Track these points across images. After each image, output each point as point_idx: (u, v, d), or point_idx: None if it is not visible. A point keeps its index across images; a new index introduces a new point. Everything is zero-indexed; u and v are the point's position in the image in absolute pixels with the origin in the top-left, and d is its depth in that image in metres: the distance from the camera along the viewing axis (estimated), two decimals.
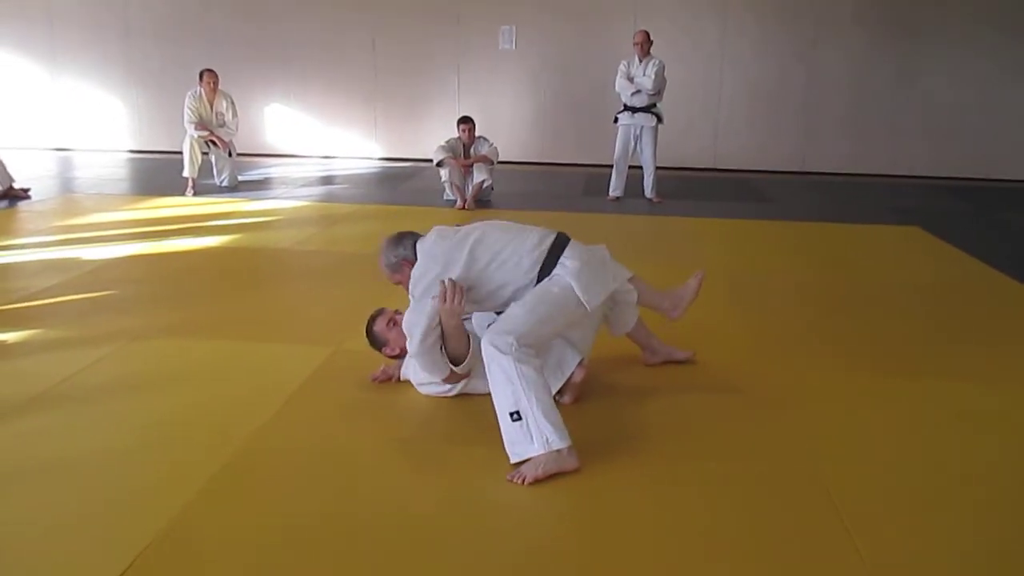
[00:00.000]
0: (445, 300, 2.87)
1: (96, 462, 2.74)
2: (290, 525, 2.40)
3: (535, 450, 2.62)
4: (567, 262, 2.97)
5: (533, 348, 2.78)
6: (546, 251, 3.00)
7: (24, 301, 4.48)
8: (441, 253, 3.01)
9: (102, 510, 2.46)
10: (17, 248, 5.82)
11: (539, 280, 2.97)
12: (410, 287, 3.05)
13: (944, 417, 3.25)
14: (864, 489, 2.66)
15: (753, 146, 10.37)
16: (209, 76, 8.30)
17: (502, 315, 2.91)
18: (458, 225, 3.17)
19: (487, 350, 2.75)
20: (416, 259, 3.07)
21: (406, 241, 3.14)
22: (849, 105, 10.17)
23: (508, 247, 3.02)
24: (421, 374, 3.13)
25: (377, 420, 3.06)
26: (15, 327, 4.04)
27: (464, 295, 2.91)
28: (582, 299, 2.92)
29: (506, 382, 2.69)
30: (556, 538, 2.39)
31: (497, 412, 2.73)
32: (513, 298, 2.97)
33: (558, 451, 2.62)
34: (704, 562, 2.27)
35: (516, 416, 2.66)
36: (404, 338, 3.14)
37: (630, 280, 3.23)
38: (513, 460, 2.67)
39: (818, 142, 10.30)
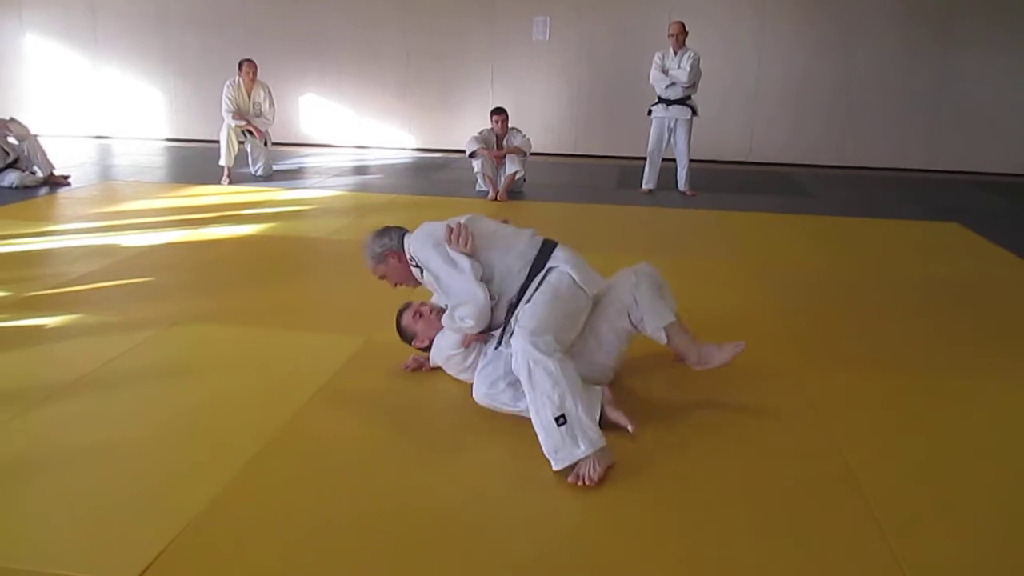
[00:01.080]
0: (451, 240, 2.98)
1: (133, 447, 2.79)
2: (322, 513, 2.43)
3: (581, 453, 2.56)
4: (559, 253, 3.06)
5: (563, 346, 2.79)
6: (539, 244, 3.09)
7: (65, 286, 4.56)
8: (434, 229, 3.09)
9: (138, 495, 2.50)
10: (58, 234, 5.92)
11: (530, 274, 3.00)
12: (424, 267, 3.07)
13: (982, 417, 3.21)
14: (899, 490, 2.63)
15: (789, 139, 10.26)
16: (248, 66, 8.37)
17: (523, 316, 2.87)
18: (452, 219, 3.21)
19: (528, 352, 2.67)
20: (402, 251, 3.13)
21: (392, 233, 3.18)
22: (888, 98, 10.01)
23: (500, 232, 3.15)
24: (445, 346, 3.13)
25: (408, 410, 3.08)
26: (56, 312, 4.12)
27: (470, 235, 3.01)
28: (581, 285, 2.97)
29: (552, 385, 2.62)
30: (584, 530, 2.39)
31: (537, 419, 2.64)
32: (501, 285, 3.01)
33: (601, 448, 2.59)
34: (736, 563, 2.25)
35: (562, 420, 2.59)
36: (432, 330, 3.18)
37: (666, 328, 3.06)
38: (557, 467, 2.59)
39: (856, 136, 10.16)
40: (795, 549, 2.30)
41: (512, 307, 2.99)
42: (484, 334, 3.08)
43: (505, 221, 3.31)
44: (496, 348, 3.01)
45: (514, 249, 3.07)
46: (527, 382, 2.68)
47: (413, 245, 3.10)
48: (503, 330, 3.00)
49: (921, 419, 3.18)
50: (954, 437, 3.04)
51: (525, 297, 2.97)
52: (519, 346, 2.71)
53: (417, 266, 3.10)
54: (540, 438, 2.64)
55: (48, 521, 2.37)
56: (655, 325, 3.04)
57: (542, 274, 3.00)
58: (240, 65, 8.38)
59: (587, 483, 2.52)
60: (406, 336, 3.33)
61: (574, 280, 2.97)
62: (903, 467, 2.79)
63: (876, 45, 9.91)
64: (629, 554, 2.26)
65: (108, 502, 2.45)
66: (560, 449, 2.58)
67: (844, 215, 7.23)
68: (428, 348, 3.29)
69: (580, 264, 3.05)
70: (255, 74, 8.40)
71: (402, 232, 3.18)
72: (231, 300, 4.43)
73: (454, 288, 3.00)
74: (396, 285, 3.24)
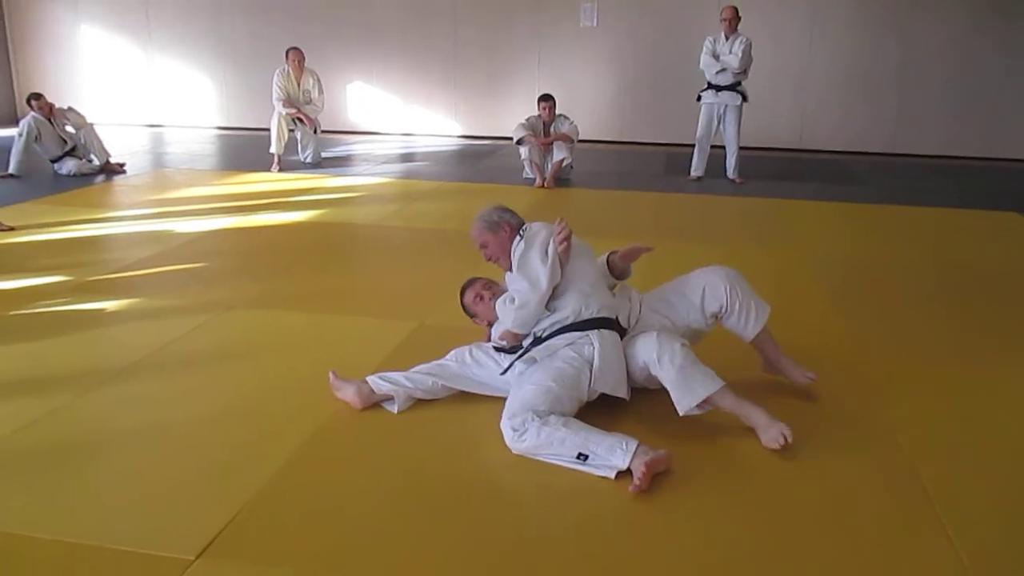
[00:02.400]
0: (556, 230, 2.97)
1: (191, 428, 2.85)
2: (375, 495, 2.45)
3: (623, 463, 2.51)
4: (606, 336, 2.89)
5: (552, 413, 2.69)
6: (599, 312, 2.94)
7: (122, 271, 4.66)
8: (551, 229, 3.05)
9: (198, 474, 2.55)
10: (114, 220, 6.06)
11: (568, 328, 2.90)
12: (525, 239, 3.01)
13: None
14: (961, 483, 2.57)
15: (842, 126, 10.06)
16: (295, 54, 8.44)
17: (512, 398, 2.81)
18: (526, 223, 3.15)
19: (511, 436, 2.65)
20: (517, 229, 3.07)
21: (514, 213, 3.16)
22: (946, 84, 9.76)
23: (591, 273, 3.07)
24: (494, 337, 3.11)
25: (463, 394, 3.08)
26: (115, 296, 4.21)
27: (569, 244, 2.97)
28: (591, 379, 2.83)
29: (550, 443, 2.59)
30: (637, 515, 2.38)
31: (569, 466, 2.59)
32: (551, 309, 2.95)
33: (643, 451, 2.52)
34: (795, 556, 2.23)
35: (582, 457, 2.56)
36: (490, 313, 3.18)
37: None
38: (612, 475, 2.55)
39: (912, 122, 9.93)
40: (851, 537, 2.27)
41: (536, 339, 2.96)
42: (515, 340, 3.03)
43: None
44: (502, 373, 2.97)
45: (582, 294, 2.95)
46: (537, 450, 2.63)
47: (536, 225, 3.09)
48: (516, 354, 2.96)
49: (982, 409, 3.11)
50: (1021, 427, 2.96)
51: (545, 345, 2.90)
52: (506, 436, 2.68)
53: (520, 237, 3.05)
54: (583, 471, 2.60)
55: (111, 499, 2.43)
56: (758, 324, 3.06)
57: (576, 334, 2.90)
58: (287, 53, 8.45)
59: (646, 482, 2.45)
60: (467, 312, 3.36)
61: (590, 370, 2.83)
62: (967, 459, 2.73)
63: (935, 27, 9.65)
64: (697, 541, 2.25)
65: (168, 481, 2.50)
66: (600, 469, 2.55)
67: (896, 203, 7.08)
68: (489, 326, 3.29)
69: (609, 364, 2.86)
70: (302, 62, 8.47)
71: (521, 220, 3.17)
72: (283, 285, 4.49)
73: (529, 267, 2.96)
74: (490, 259, 3.20)
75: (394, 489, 2.49)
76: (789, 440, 2.68)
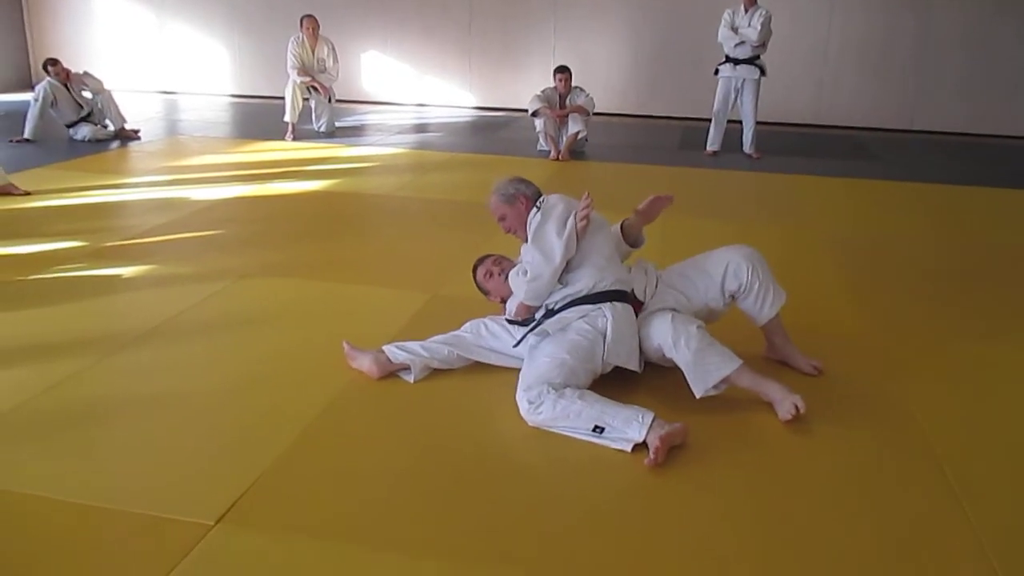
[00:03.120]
0: (581, 206, 2.94)
1: (208, 395, 2.87)
2: (391, 464, 2.47)
3: (639, 435, 2.50)
4: (618, 308, 2.88)
5: (567, 385, 2.70)
6: (613, 285, 2.93)
7: (137, 238, 4.68)
8: (573, 201, 3.03)
9: (216, 440, 2.57)
10: (129, 187, 6.06)
11: (583, 300, 2.89)
12: (542, 211, 2.99)
13: None
14: (976, 458, 2.57)
15: (860, 102, 9.94)
16: (309, 22, 8.38)
17: (527, 364, 2.84)
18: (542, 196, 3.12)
19: (528, 410, 2.66)
20: (533, 201, 3.05)
21: (531, 185, 3.14)
22: (965, 61, 9.62)
23: (607, 247, 3.05)
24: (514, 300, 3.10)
25: (476, 365, 3.08)
26: (130, 263, 4.23)
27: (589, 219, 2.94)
28: (605, 351, 2.82)
29: (567, 415, 2.60)
30: (653, 488, 2.39)
31: (585, 438, 2.60)
32: (569, 282, 2.94)
33: (659, 424, 2.52)
34: (809, 532, 2.24)
35: (598, 430, 2.56)
36: (502, 289, 3.19)
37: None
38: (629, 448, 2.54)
39: (930, 99, 9.80)
40: (868, 515, 2.27)
41: (548, 311, 2.95)
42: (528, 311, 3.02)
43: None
44: (515, 346, 2.96)
45: (596, 268, 2.95)
46: (554, 421, 2.64)
47: (553, 197, 3.06)
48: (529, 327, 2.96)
49: (1000, 389, 3.10)
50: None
51: (558, 317, 2.88)
52: (522, 400, 2.70)
53: (537, 209, 3.03)
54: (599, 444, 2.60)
55: (129, 464, 2.45)
56: (773, 309, 3.05)
57: (589, 307, 2.88)
58: (301, 21, 8.40)
59: (660, 456, 2.45)
60: (481, 290, 3.36)
61: (604, 343, 2.83)
62: (983, 436, 2.73)
63: (954, 5, 9.50)
64: (715, 515, 2.26)
65: (186, 448, 2.52)
66: (616, 442, 2.55)
67: (913, 180, 7.02)
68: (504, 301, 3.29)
69: (622, 336, 2.86)
70: (316, 29, 8.41)
71: (536, 188, 3.16)
72: (298, 254, 4.49)
73: (544, 240, 2.93)
74: (508, 231, 3.18)
75: (410, 459, 2.50)
76: (801, 410, 2.69)
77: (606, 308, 2.86)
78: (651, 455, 2.45)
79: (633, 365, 2.91)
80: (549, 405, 2.62)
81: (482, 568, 2.03)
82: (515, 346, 2.96)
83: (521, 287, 2.97)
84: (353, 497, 2.29)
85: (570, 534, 2.17)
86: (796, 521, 2.25)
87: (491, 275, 3.28)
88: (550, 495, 2.35)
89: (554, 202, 3.02)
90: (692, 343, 2.75)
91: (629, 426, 2.53)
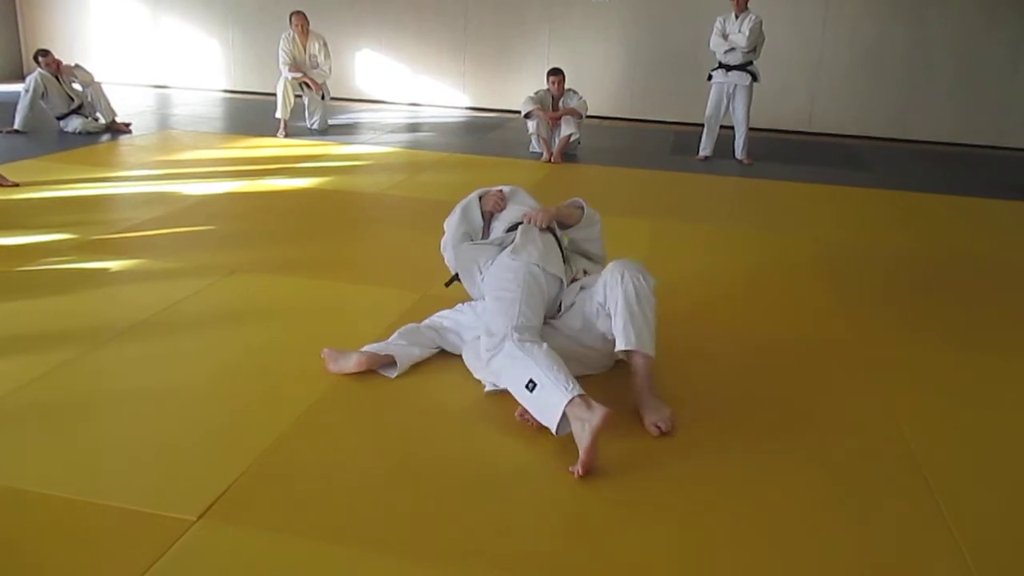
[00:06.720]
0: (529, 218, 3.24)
1: (195, 389, 2.86)
2: (377, 461, 2.47)
3: (564, 399, 2.43)
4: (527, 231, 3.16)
5: (527, 327, 2.77)
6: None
7: (127, 231, 4.66)
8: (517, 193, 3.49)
9: (197, 438, 2.55)
10: (120, 180, 6.04)
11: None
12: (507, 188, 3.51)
13: None
14: (957, 468, 2.59)
15: (852, 110, 10.00)
16: (298, 18, 8.37)
17: (483, 323, 2.94)
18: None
19: (484, 357, 2.78)
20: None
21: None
22: (957, 70, 9.68)
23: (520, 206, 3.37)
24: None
25: (461, 363, 3.08)
26: (120, 256, 4.21)
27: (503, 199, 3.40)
28: (538, 263, 3.00)
29: (511, 365, 2.63)
30: (637, 492, 2.39)
31: (517, 397, 2.60)
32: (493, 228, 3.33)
33: (583, 402, 2.43)
34: (790, 540, 2.24)
35: (532, 385, 2.52)
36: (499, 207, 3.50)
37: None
38: (556, 431, 2.49)
39: (922, 108, 9.86)
40: (851, 524, 2.28)
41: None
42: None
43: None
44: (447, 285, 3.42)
45: (517, 212, 3.30)
46: (498, 375, 2.75)
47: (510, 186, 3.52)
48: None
49: (983, 398, 3.12)
50: (1017, 415, 2.97)
51: (506, 255, 3.09)
52: (482, 350, 2.81)
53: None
54: (529, 410, 2.59)
55: (113, 458, 2.44)
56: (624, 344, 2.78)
57: (507, 235, 3.21)
58: (290, 18, 8.38)
59: (584, 471, 2.38)
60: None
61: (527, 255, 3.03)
62: (964, 444, 2.74)
63: (947, 14, 9.56)
64: (702, 519, 2.27)
65: (171, 442, 2.51)
66: (546, 408, 2.49)
67: (903, 189, 7.05)
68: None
69: (534, 240, 3.10)
70: (306, 26, 8.40)
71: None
72: (288, 251, 4.48)
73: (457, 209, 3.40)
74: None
75: (396, 455, 2.50)
76: (664, 430, 2.65)
77: (519, 230, 3.13)
78: (581, 459, 2.39)
79: (555, 269, 3.04)
80: (504, 353, 2.67)
81: (468, 570, 2.02)
82: (447, 285, 3.37)
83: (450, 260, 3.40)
84: (338, 494, 2.29)
85: (555, 535, 2.17)
86: (778, 529, 2.26)
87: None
88: (537, 496, 2.34)
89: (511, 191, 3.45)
90: (644, 301, 2.76)
91: (556, 389, 2.47)
